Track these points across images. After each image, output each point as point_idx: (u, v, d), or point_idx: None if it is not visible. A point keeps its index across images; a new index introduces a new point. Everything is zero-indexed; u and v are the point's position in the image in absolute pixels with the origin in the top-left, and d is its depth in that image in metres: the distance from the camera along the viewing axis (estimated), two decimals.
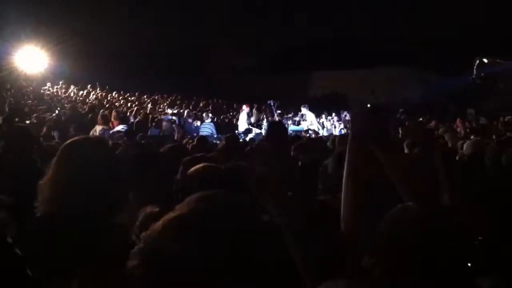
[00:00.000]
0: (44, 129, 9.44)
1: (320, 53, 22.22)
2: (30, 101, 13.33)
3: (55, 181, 1.60)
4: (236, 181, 1.73)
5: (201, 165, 2.00)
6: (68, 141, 1.76)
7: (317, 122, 13.04)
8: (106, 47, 18.73)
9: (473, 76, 17.55)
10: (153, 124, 10.83)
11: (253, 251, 0.75)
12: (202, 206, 0.80)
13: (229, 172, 2.02)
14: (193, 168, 1.98)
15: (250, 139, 10.66)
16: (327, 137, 6.83)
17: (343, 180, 1.45)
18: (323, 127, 13.54)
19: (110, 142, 2.61)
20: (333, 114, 15.03)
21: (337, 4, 20.17)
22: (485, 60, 17.20)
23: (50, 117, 10.88)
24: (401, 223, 1.05)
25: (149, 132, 9.84)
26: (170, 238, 0.76)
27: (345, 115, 15.55)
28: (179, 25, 20.92)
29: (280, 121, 8.10)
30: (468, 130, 10.22)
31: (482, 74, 17.45)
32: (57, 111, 11.91)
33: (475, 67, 17.41)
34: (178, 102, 17.13)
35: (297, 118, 13.46)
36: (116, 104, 15.12)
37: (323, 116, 14.70)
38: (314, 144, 4.43)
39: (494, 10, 17.57)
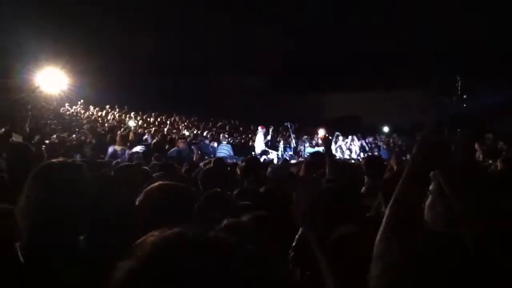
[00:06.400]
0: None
1: (333, 74, 22.20)
2: (49, 121, 13.55)
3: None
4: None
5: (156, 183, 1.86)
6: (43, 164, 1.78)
7: (334, 145, 12.97)
8: (123, 67, 19.09)
9: (455, 98, 16.70)
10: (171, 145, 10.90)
11: None
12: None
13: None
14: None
15: (266, 160, 10.63)
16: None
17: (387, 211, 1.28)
18: (341, 150, 13.47)
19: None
20: (349, 136, 14.94)
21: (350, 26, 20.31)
22: (467, 82, 16.45)
23: (70, 138, 11.02)
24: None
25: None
26: None
27: (359, 138, 15.48)
28: (190, 47, 21.31)
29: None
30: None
31: (465, 96, 16.72)
32: (76, 132, 12.04)
33: (458, 87, 16.61)
34: (195, 123, 17.25)
35: (314, 141, 13.42)
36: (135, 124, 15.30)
37: (340, 138, 14.63)
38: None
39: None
